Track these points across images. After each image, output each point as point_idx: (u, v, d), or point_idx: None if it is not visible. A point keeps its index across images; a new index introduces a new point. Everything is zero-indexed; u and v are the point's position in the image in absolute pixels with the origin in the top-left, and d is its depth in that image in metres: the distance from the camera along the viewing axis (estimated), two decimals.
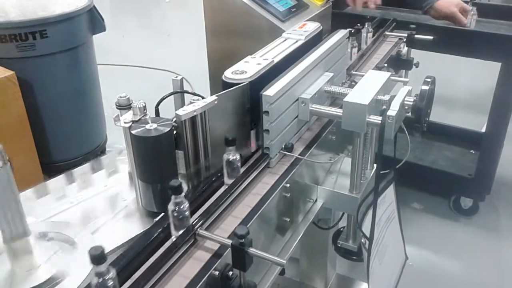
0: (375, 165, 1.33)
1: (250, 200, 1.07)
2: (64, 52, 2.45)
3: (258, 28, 1.85)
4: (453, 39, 2.19)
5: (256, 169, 1.13)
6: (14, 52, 2.30)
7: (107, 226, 1.12)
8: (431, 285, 2.22)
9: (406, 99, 1.18)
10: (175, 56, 4.77)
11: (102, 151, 2.80)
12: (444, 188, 2.66)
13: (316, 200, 1.30)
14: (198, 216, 0.96)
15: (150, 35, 5.78)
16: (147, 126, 1.05)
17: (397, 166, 1.29)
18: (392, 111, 1.12)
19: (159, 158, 1.07)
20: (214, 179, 1.10)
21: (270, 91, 1.12)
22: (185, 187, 1.11)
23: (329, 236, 1.68)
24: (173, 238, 0.91)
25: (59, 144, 2.56)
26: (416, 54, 2.04)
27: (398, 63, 1.96)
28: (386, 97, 1.18)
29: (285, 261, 0.89)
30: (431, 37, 1.92)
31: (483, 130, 2.55)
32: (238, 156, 1.07)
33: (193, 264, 0.89)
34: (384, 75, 1.26)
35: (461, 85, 4.03)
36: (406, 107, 1.18)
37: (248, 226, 0.96)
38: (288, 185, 1.13)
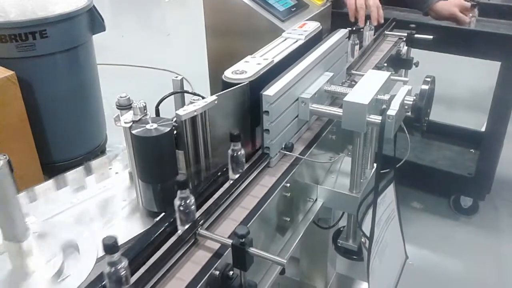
0: (375, 165, 1.33)
1: (250, 200, 1.07)
2: (64, 52, 2.44)
3: (258, 28, 1.85)
4: (452, 39, 2.20)
5: (256, 168, 1.14)
6: (14, 52, 2.30)
7: (108, 226, 1.12)
8: (431, 284, 2.22)
9: (406, 98, 1.18)
10: (175, 56, 4.77)
11: (102, 151, 2.80)
12: (444, 187, 2.67)
13: (316, 200, 1.30)
14: (198, 216, 0.96)
15: (150, 35, 5.78)
16: (148, 126, 1.05)
17: (397, 166, 1.29)
18: (392, 111, 1.12)
19: (159, 158, 1.07)
20: (216, 176, 1.10)
21: (270, 91, 1.12)
22: None
23: (329, 235, 1.68)
24: (179, 232, 0.92)
25: (59, 144, 2.56)
26: (416, 54, 2.04)
27: (398, 63, 1.96)
28: (386, 97, 1.18)
29: (285, 261, 0.89)
30: (431, 37, 1.92)
31: (483, 129, 2.55)
32: (243, 151, 1.07)
33: (193, 264, 0.89)
34: (384, 75, 1.26)
35: (461, 85, 4.03)
36: (406, 107, 1.18)
37: (248, 225, 0.97)
38: (288, 184, 1.13)
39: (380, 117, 1.12)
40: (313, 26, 1.49)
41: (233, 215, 1.03)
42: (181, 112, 1.01)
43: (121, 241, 1.00)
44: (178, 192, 0.89)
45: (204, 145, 1.09)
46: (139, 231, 1.07)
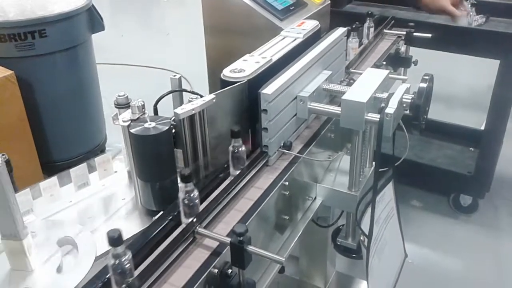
0: (374, 163, 1.33)
1: (249, 198, 1.07)
2: (63, 52, 2.45)
3: (256, 27, 1.85)
4: (451, 37, 2.19)
5: (254, 167, 1.14)
6: (13, 51, 2.30)
7: (106, 224, 1.12)
8: (430, 282, 2.22)
9: (404, 96, 1.18)
10: (173, 55, 4.77)
11: (102, 150, 2.80)
12: (443, 186, 2.67)
13: (315, 198, 1.31)
14: (197, 214, 0.96)
15: (149, 34, 5.78)
16: (146, 125, 1.05)
17: (396, 164, 1.29)
18: (391, 109, 1.12)
19: (157, 157, 1.07)
20: (215, 174, 1.11)
21: (269, 89, 1.12)
22: (183, 186, 1.11)
23: (328, 234, 1.68)
24: (179, 229, 0.93)
25: (58, 143, 2.56)
26: (415, 52, 2.04)
27: (396, 61, 1.96)
28: (385, 95, 1.18)
29: (284, 259, 0.90)
30: (429, 35, 1.92)
31: (482, 127, 2.55)
32: (243, 147, 1.08)
33: (192, 262, 0.89)
34: (383, 73, 1.26)
35: (460, 83, 4.03)
36: (404, 105, 1.18)
37: (247, 223, 0.97)
38: (287, 183, 1.13)
39: (378, 115, 1.12)
40: (311, 25, 1.49)
41: (232, 213, 1.03)
42: (179, 110, 1.02)
43: None
44: (183, 185, 0.90)
45: (202, 143, 1.09)
46: (137, 229, 1.07)
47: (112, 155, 1.31)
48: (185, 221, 0.93)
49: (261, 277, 1.04)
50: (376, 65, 1.75)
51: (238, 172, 1.09)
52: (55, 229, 1.04)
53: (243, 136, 1.16)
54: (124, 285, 0.76)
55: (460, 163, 2.66)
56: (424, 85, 1.19)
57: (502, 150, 2.46)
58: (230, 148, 1.07)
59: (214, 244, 0.92)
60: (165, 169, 1.08)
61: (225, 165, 1.13)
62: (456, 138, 2.85)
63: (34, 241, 0.97)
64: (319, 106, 1.25)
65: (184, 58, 4.43)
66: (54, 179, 1.16)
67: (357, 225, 1.24)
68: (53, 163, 2.54)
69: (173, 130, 1.07)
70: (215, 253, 0.91)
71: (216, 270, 0.88)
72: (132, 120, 1.07)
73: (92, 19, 2.59)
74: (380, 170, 1.18)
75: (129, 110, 1.09)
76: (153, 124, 1.05)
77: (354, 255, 1.39)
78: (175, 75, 1.26)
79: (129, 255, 0.75)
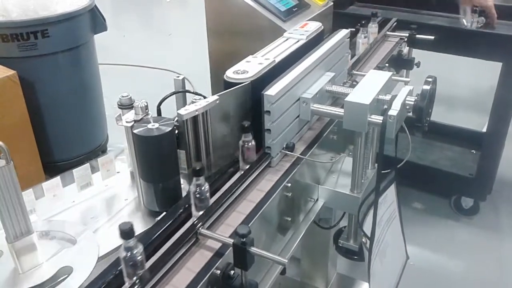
0: (376, 165, 1.33)
1: (251, 199, 1.07)
2: (66, 52, 2.44)
3: (259, 28, 1.85)
4: (454, 39, 2.19)
5: (257, 168, 1.14)
6: (16, 51, 2.30)
7: (109, 225, 1.12)
8: (432, 284, 2.22)
9: (407, 98, 1.18)
10: (176, 56, 4.77)
11: (103, 151, 2.80)
12: (445, 188, 2.66)
13: (317, 200, 1.31)
14: (200, 216, 0.97)
15: (151, 35, 5.78)
16: (149, 126, 1.05)
17: (398, 166, 1.29)
18: (393, 111, 1.12)
19: (161, 158, 1.07)
20: (220, 174, 1.12)
21: (272, 91, 1.12)
22: (186, 187, 1.12)
23: (330, 235, 1.68)
24: (194, 219, 0.95)
25: (60, 143, 2.56)
26: (417, 54, 2.04)
27: (399, 63, 1.96)
28: (387, 97, 1.18)
29: (286, 261, 0.90)
30: (432, 37, 1.92)
31: (484, 130, 2.55)
32: (253, 142, 1.10)
33: (194, 263, 0.89)
34: (385, 75, 1.26)
35: (462, 85, 4.03)
36: (407, 107, 1.18)
37: (249, 225, 0.97)
38: (289, 184, 1.13)
39: (381, 117, 1.12)
40: (314, 26, 1.49)
41: (234, 214, 1.03)
42: (182, 111, 1.02)
43: (121, 240, 1.00)
44: (194, 179, 0.93)
45: (205, 144, 1.09)
46: (140, 230, 1.07)
47: (114, 155, 1.32)
48: (195, 214, 0.96)
49: (263, 278, 1.04)
50: (379, 67, 1.75)
51: (247, 166, 1.12)
52: (58, 229, 1.04)
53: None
54: (135, 278, 0.77)
55: (461, 165, 2.66)
56: (427, 87, 1.19)
57: (504, 153, 2.46)
58: (240, 143, 1.10)
59: (217, 245, 0.92)
60: (168, 170, 1.08)
61: (227, 166, 1.13)
62: (458, 140, 2.85)
63: (38, 240, 0.97)
64: (322, 108, 1.25)
65: (186, 59, 4.43)
66: (57, 179, 1.16)
67: (359, 227, 1.24)
68: (55, 163, 2.54)
69: (176, 131, 1.07)
70: (218, 254, 0.91)
71: (218, 271, 0.88)
72: (135, 121, 1.07)
73: (94, 20, 2.60)
74: (382, 172, 1.18)
75: (133, 111, 1.09)
76: (156, 125, 1.05)
77: (355, 257, 1.39)
78: (178, 76, 1.26)
79: (140, 248, 0.78)
